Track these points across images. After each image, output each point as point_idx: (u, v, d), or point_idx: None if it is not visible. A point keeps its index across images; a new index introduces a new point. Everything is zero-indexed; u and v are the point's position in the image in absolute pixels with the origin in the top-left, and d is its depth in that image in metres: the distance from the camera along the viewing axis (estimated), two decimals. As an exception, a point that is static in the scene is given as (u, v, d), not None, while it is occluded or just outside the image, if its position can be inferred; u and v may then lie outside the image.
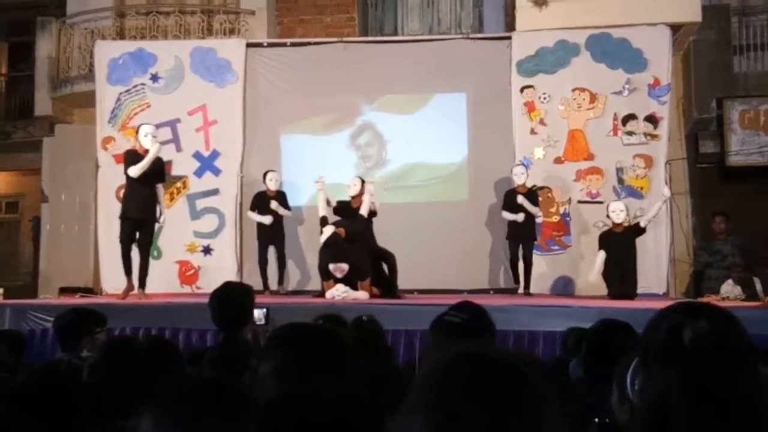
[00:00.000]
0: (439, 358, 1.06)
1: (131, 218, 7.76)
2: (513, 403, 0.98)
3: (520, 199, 8.65)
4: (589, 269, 8.50)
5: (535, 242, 9.04)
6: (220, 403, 1.35)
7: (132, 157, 7.76)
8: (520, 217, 8.66)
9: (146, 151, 7.77)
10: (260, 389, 1.40)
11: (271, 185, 9.15)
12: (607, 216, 8.37)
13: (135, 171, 7.63)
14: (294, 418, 1.34)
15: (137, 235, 7.83)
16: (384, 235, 8.50)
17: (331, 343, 1.47)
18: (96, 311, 4.06)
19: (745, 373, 1.25)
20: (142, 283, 7.87)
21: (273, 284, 9.17)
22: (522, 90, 9.80)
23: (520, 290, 8.78)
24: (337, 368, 1.41)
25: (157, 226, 8.18)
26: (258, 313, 3.66)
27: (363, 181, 8.53)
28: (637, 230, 8.25)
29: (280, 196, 9.22)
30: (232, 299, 3.53)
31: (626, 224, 8.43)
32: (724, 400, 1.23)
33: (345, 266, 7.59)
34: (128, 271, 7.83)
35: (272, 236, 9.13)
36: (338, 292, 7.55)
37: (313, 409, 1.35)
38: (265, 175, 9.19)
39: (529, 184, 9.22)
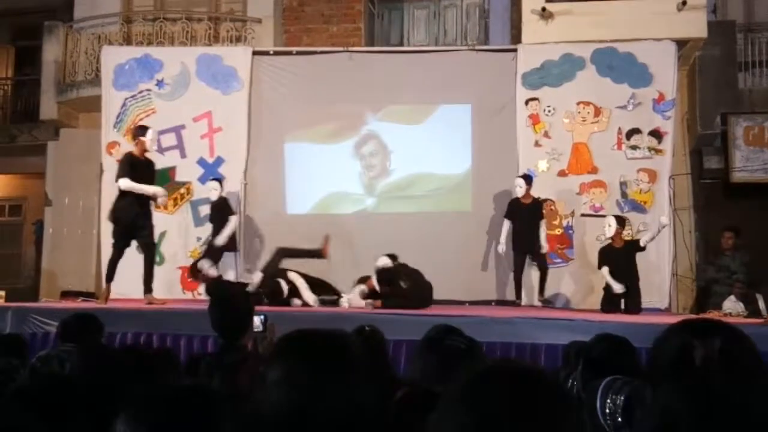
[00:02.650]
0: (472, 371, 1.08)
1: (126, 222, 7.68)
2: (545, 415, 0.99)
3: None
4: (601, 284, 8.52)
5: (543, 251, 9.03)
6: (190, 410, 1.34)
7: (130, 163, 7.69)
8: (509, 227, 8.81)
9: (144, 153, 7.77)
10: (266, 398, 1.38)
11: (213, 195, 9.22)
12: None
13: (125, 184, 7.56)
14: (302, 429, 1.33)
15: (132, 240, 7.81)
16: (386, 245, 8.49)
17: (342, 351, 1.44)
18: (96, 317, 4.07)
19: (758, 392, 1.23)
20: (149, 288, 7.84)
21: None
22: (527, 102, 9.81)
23: (535, 301, 8.84)
24: (348, 378, 1.38)
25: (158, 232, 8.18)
26: (256, 320, 3.65)
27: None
28: (637, 247, 8.24)
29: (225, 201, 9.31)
30: (231, 306, 3.52)
31: (628, 239, 8.41)
32: (737, 420, 1.21)
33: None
34: (111, 276, 7.80)
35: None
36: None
37: (321, 420, 1.33)
38: (210, 182, 9.32)
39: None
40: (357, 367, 1.42)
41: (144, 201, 7.83)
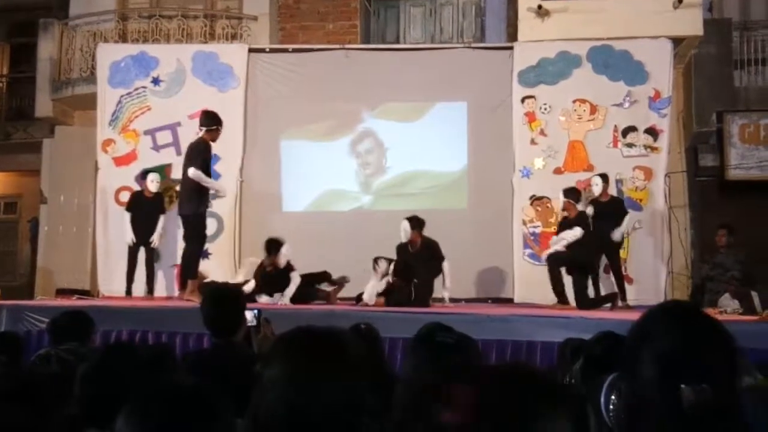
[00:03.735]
0: (486, 372, 1.09)
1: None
2: (563, 417, 1.00)
3: (589, 210, 8.57)
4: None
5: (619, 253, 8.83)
6: (191, 409, 1.34)
7: (206, 151, 7.67)
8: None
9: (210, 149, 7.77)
10: (263, 396, 1.37)
11: (152, 187, 9.16)
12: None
13: (196, 174, 7.51)
14: (299, 427, 1.33)
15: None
16: (382, 243, 8.49)
17: (340, 349, 1.43)
18: (87, 314, 4.07)
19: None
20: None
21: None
22: (523, 100, 9.81)
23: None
24: (345, 376, 1.38)
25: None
26: (248, 315, 3.63)
27: None
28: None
29: (160, 199, 9.30)
30: (223, 304, 3.51)
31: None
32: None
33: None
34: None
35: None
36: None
37: (318, 418, 1.33)
38: (146, 174, 9.28)
39: (528, 194, 9.25)
40: (354, 365, 1.41)
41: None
